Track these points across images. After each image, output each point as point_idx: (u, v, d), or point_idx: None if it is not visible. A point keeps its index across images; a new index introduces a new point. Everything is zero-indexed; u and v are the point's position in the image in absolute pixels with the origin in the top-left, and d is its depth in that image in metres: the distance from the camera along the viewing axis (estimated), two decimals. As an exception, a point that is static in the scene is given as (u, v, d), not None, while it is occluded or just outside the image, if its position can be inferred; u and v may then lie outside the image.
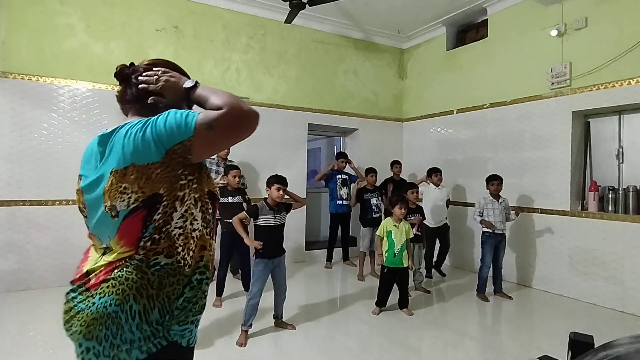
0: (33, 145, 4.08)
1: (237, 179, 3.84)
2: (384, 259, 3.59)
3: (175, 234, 0.97)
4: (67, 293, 1.00)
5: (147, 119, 0.97)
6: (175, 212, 0.97)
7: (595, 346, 0.80)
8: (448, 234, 4.96)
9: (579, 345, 0.91)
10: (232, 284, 4.18)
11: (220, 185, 3.92)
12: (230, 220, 3.66)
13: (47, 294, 3.91)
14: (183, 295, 0.98)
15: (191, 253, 0.99)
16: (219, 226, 4.00)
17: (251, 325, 2.99)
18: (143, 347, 0.92)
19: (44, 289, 4.04)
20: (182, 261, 0.97)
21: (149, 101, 1.06)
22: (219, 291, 3.78)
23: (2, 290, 3.92)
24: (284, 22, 4.78)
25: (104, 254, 1.00)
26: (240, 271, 4.05)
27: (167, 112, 0.96)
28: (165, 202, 0.95)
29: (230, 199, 3.85)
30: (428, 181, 4.99)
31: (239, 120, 0.94)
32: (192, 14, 4.92)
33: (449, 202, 5.04)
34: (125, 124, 0.99)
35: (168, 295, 0.95)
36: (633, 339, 0.70)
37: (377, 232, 3.74)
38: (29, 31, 4.11)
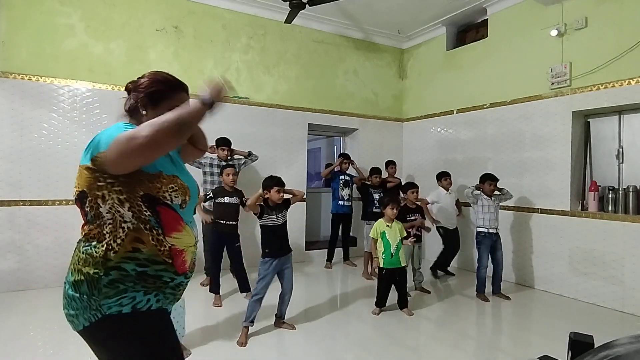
0: (33, 145, 4.08)
1: (231, 177, 3.81)
2: (382, 260, 3.58)
3: (104, 223, 1.13)
4: None
5: (105, 129, 1.15)
6: (101, 207, 1.13)
7: (595, 346, 0.80)
8: (458, 238, 4.99)
9: (579, 345, 0.92)
10: (233, 283, 4.18)
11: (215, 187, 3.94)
12: (222, 222, 3.72)
13: (47, 294, 3.91)
14: (109, 275, 1.10)
15: (119, 241, 1.12)
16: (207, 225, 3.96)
17: (252, 322, 2.98)
18: (85, 315, 1.10)
19: (44, 289, 4.04)
20: (107, 245, 1.11)
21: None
22: (215, 289, 3.77)
23: (2, 290, 3.92)
24: (284, 22, 4.78)
25: None
26: (236, 271, 4.03)
27: (118, 128, 1.14)
28: (90, 198, 1.13)
29: (226, 199, 3.79)
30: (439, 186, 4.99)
31: (133, 153, 1.07)
32: (192, 14, 4.92)
33: (459, 204, 5.09)
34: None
35: (89, 272, 1.10)
36: (633, 339, 0.70)
37: (370, 234, 3.69)
38: (29, 31, 4.11)
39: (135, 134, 1.06)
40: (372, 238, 3.66)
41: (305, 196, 5.61)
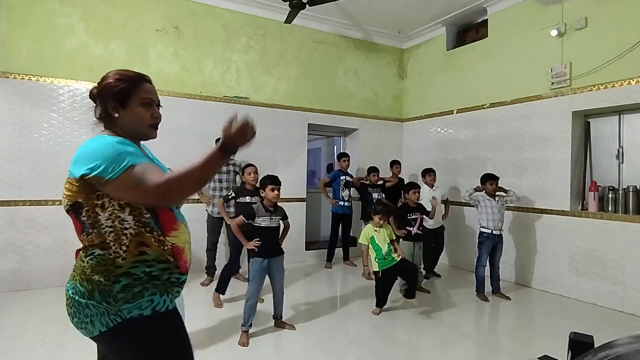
0: (33, 145, 4.08)
1: (253, 175, 3.79)
2: (376, 265, 3.56)
3: (105, 231, 1.12)
4: None
5: (90, 140, 1.13)
6: (100, 216, 1.12)
7: (595, 346, 0.80)
8: (443, 236, 4.95)
9: (579, 345, 0.92)
10: (233, 284, 4.18)
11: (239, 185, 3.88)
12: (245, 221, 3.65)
13: (47, 294, 3.91)
14: (120, 282, 1.10)
15: (124, 247, 1.12)
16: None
17: (251, 325, 2.99)
18: (102, 320, 1.10)
19: (44, 289, 4.04)
20: (114, 254, 1.11)
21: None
22: (223, 289, 3.68)
23: (2, 290, 3.92)
24: (284, 22, 4.78)
25: None
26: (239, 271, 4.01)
27: (110, 143, 1.10)
28: (86, 208, 1.12)
29: (248, 199, 3.78)
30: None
31: (153, 199, 1.10)
32: (192, 14, 4.92)
33: (447, 203, 5.04)
34: (93, 138, 1.15)
35: (100, 281, 1.10)
36: (633, 339, 0.70)
37: (360, 240, 3.68)
38: (29, 31, 4.11)
39: (155, 181, 1.04)
40: (364, 245, 3.65)
41: (305, 196, 5.63)
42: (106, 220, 1.11)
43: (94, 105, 1.26)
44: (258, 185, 3.77)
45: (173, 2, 4.82)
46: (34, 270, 4.07)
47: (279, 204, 3.18)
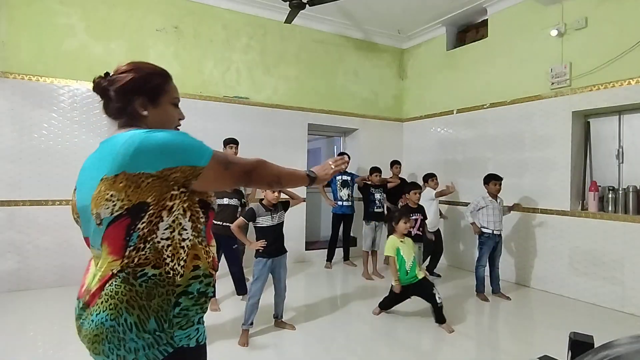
0: (33, 145, 4.08)
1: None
2: (399, 284, 3.33)
3: (162, 245, 0.96)
4: (75, 309, 1.03)
5: (148, 131, 0.97)
6: (162, 222, 0.96)
7: (595, 346, 0.80)
8: (441, 238, 4.95)
9: (579, 345, 0.91)
10: (231, 285, 4.17)
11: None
12: (220, 223, 3.57)
13: (47, 294, 3.91)
14: (180, 305, 0.98)
15: (182, 263, 0.98)
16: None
17: (252, 324, 2.99)
18: (149, 354, 0.94)
19: (44, 289, 4.04)
20: (172, 272, 0.97)
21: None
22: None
23: (2, 290, 3.92)
24: (284, 22, 4.78)
25: (97, 265, 1.00)
26: (232, 273, 3.97)
27: (176, 132, 1.01)
28: (151, 211, 0.94)
29: (225, 201, 3.74)
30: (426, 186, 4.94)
31: (256, 180, 1.14)
32: (192, 14, 4.92)
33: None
34: (123, 133, 0.98)
35: (160, 305, 0.95)
36: (633, 339, 0.70)
37: (386, 253, 3.44)
38: (29, 31, 4.11)
39: (246, 160, 1.10)
40: (389, 256, 3.41)
41: (305, 196, 5.63)
42: (166, 229, 0.96)
43: (103, 98, 1.08)
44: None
45: (173, 2, 4.82)
46: (34, 270, 4.07)
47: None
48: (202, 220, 1.05)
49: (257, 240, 3.06)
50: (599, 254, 3.94)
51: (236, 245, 3.83)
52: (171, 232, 0.97)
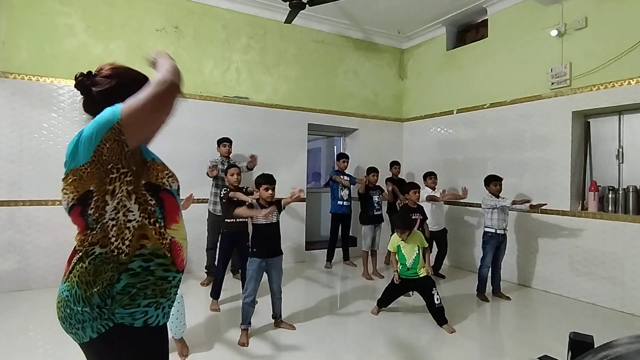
0: (33, 145, 4.09)
1: (235, 177, 3.80)
2: (398, 276, 3.48)
3: (109, 225, 1.07)
4: None
5: (83, 130, 1.07)
6: (108, 205, 1.07)
7: (595, 346, 0.80)
8: (446, 238, 4.95)
9: (579, 345, 0.92)
10: (233, 284, 4.18)
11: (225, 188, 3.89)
12: (231, 220, 3.66)
13: (47, 294, 3.90)
14: (120, 281, 1.06)
15: (127, 242, 1.08)
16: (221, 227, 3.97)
17: (250, 323, 2.99)
18: (93, 327, 1.05)
19: (44, 289, 4.04)
20: (116, 250, 1.06)
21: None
22: (216, 294, 3.67)
23: (2, 290, 3.93)
24: (284, 22, 4.78)
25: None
26: (240, 271, 4.01)
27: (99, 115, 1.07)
28: (95, 197, 1.06)
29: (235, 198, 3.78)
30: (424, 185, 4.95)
31: (159, 103, 1.05)
32: (192, 14, 4.92)
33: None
34: (73, 138, 1.10)
35: (103, 281, 1.05)
36: (633, 339, 0.70)
37: (388, 248, 3.69)
38: (29, 31, 4.11)
39: (151, 90, 1.03)
40: (390, 251, 3.65)
41: (305, 195, 5.62)
42: (112, 211, 1.07)
43: (84, 96, 1.20)
44: (240, 186, 3.78)
45: (173, 2, 4.82)
46: (34, 270, 4.07)
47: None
48: (152, 202, 1.13)
49: (252, 240, 3.07)
50: (599, 254, 3.94)
51: (248, 243, 3.82)
52: (116, 214, 1.07)
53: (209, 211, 4.47)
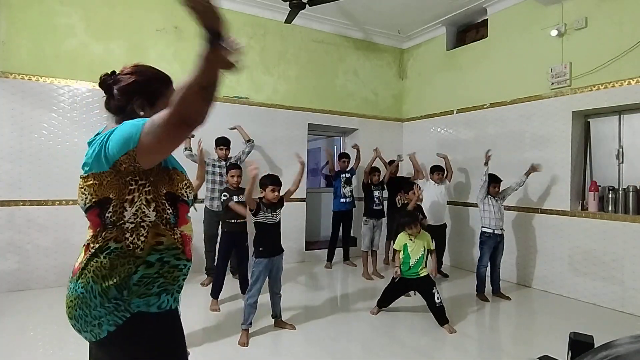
0: (33, 145, 4.08)
1: (235, 178, 3.80)
2: (400, 272, 3.47)
3: (127, 227, 1.10)
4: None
5: (108, 132, 1.07)
6: (126, 212, 1.09)
7: (595, 346, 0.80)
8: (445, 235, 4.94)
9: (579, 345, 0.92)
10: (234, 284, 4.18)
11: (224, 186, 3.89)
12: (233, 221, 3.68)
13: (47, 294, 3.91)
14: (137, 272, 1.09)
15: (142, 238, 1.10)
16: (220, 227, 3.99)
17: (251, 324, 2.99)
18: (110, 320, 1.06)
19: (44, 289, 4.04)
20: (132, 245, 1.09)
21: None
22: (216, 293, 3.66)
23: (2, 290, 3.92)
24: (284, 22, 4.78)
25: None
26: (238, 273, 4.01)
27: (121, 124, 1.06)
28: (114, 204, 1.09)
29: (235, 199, 3.77)
30: (428, 178, 5.01)
31: (175, 131, 0.98)
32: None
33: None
34: (101, 133, 1.11)
35: (120, 273, 1.07)
36: (633, 339, 0.70)
37: (394, 246, 3.63)
38: (29, 31, 4.11)
39: (164, 116, 0.95)
40: (395, 250, 3.61)
41: (305, 195, 5.63)
42: (131, 216, 1.10)
43: (107, 95, 1.21)
44: (241, 186, 3.76)
45: (173, 2, 4.81)
46: (34, 270, 4.07)
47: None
48: (169, 211, 1.16)
49: (256, 240, 3.06)
50: (599, 254, 3.94)
51: (247, 243, 3.82)
52: (135, 219, 1.10)
53: (206, 207, 4.46)
